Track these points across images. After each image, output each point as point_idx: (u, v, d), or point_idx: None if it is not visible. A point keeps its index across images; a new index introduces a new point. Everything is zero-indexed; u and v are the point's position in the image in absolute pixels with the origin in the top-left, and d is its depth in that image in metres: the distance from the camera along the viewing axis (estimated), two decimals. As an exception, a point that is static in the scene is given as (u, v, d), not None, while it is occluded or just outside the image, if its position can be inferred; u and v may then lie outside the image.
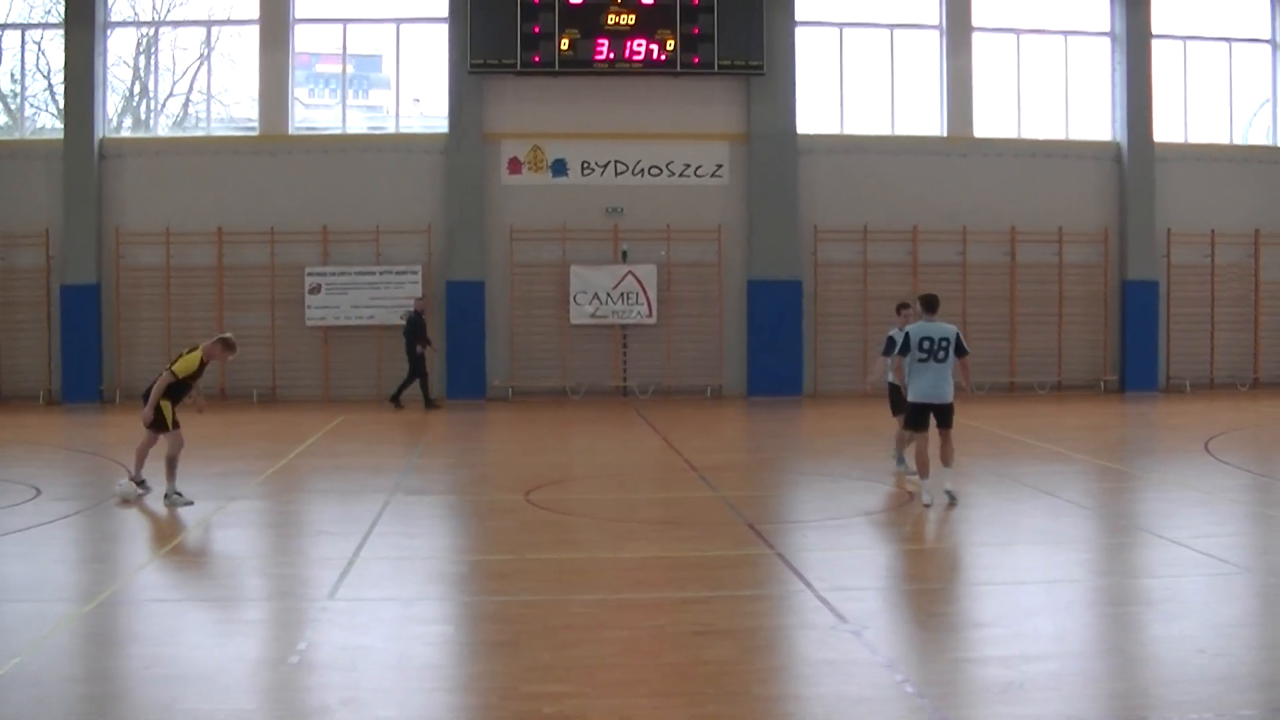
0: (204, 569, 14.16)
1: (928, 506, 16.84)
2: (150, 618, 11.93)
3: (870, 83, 35.90)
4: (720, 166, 35.04)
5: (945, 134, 35.78)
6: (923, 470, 17.21)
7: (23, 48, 35.87)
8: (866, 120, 35.85)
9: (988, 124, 36.08)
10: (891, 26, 35.85)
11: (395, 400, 32.44)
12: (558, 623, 11.32)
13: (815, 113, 35.59)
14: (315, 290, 34.07)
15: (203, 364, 18.37)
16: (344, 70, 36.05)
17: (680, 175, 34.98)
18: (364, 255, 34.56)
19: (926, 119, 36.03)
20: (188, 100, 36.93)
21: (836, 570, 13.45)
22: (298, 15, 35.15)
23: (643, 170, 34.93)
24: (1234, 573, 13.13)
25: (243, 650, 10.76)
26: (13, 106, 36.90)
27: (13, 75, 36.37)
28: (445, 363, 34.36)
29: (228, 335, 18.43)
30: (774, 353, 34.57)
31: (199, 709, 9.07)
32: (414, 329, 32.17)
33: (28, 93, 36.56)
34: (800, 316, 34.76)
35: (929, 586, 13.28)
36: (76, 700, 9.52)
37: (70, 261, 34.33)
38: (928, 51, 35.92)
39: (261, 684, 9.90)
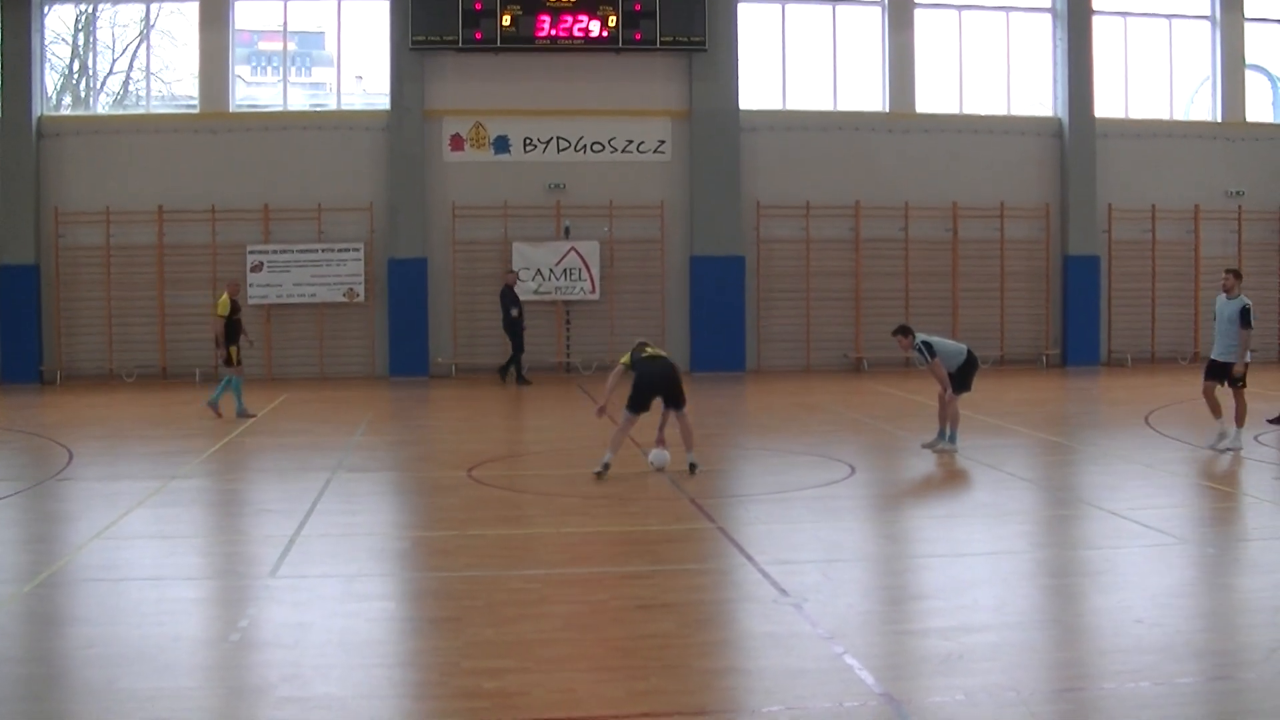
0: (144, 548, 14.07)
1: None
2: (90, 598, 11.89)
3: (812, 59, 35.92)
4: (663, 143, 35.01)
5: (887, 110, 35.80)
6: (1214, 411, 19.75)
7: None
8: (809, 97, 35.87)
9: (930, 100, 36.16)
10: (834, 2, 35.83)
11: (505, 375, 32.65)
12: (500, 598, 11.33)
13: (757, 89, 35.57)
14: (257, 268, 33.89)
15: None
16: (285, 47, 35.83)
17: (623, 151, 34.94)
18: (306, 233, 34.39)
19: (868, 95, 36.07)
20: (128, 78, 36.65)
21: (778, 544, 13.51)
22: (238, -9, 34.95)
23: (585, 147, 34.88)
24: (1172, 544, 13.25)
25: (184, 629, 10.72)
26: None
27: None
28: (389, 340, 34.27)
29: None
30: (717, 329, 34.58)
31: (139, 688, 9.04)
32: (507, 302, 32.45)
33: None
34: (743, 292, 34.77)
35: (870, 560, 13.37)
36: (16, 681, 9.47)
37: (8, 242, 34.02)
38: (870, 27, 35.94)
39: (202, 662, 9.89)
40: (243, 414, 25.17)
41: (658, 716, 8.39)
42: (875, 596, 11.70)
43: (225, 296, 25.59)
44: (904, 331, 20.29)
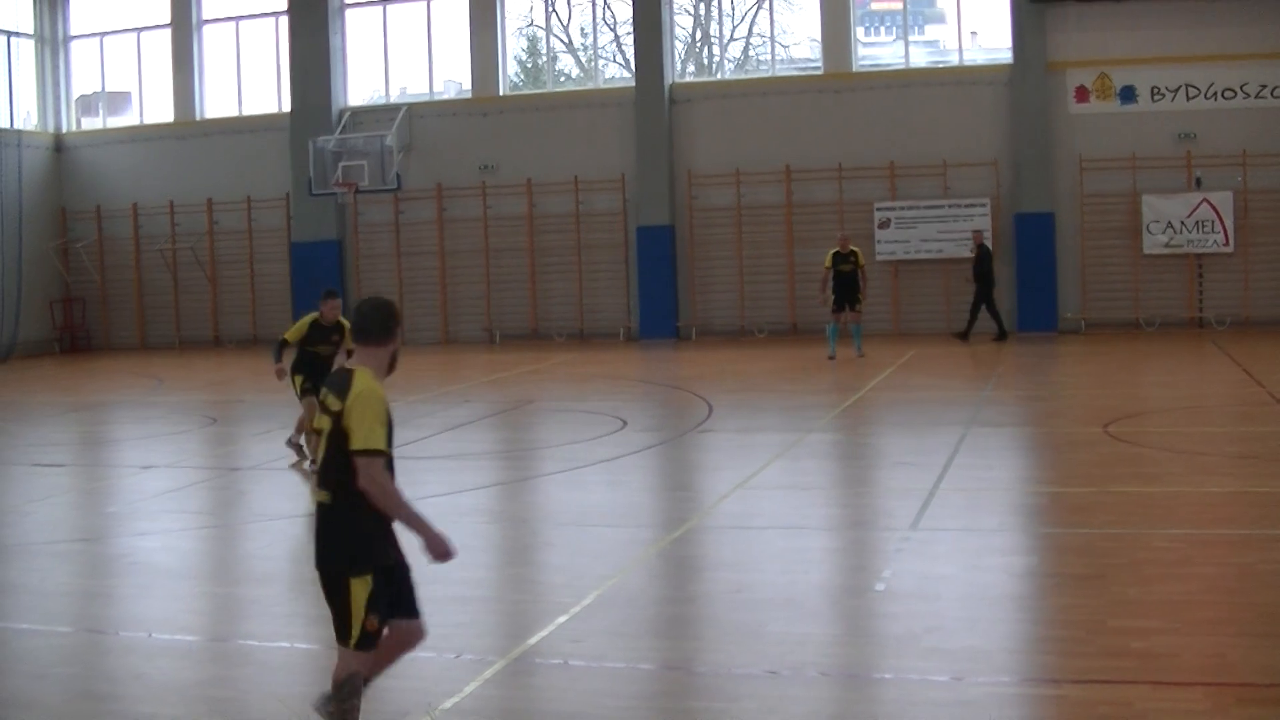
0: (784, 498, 14.66)
1: None
2: (735, 544, 12.52)
3: None
4: (1299, 87, 33.39)
5: None
6: None
7: (592, 3, 37.62)
8: None
9: None
10: None
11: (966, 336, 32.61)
12: (1142, 557, 11.27)
13: None
14: (884, 225, 34.41)
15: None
16: (905, 6, 36.10)
17: (1256, 97, 33.49)
18: (931, 189, 34.70)
19: None
20: (748, 43, 37.93)
21: None
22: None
23: (1216, 94, 33.63)
24: None
25: (828, 578, 11.21)
26: (584, 59, 38.70)
27: (582, 30, 38.27)
28: (1015, 295, 34.18)
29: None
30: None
31: (789, 632, 9.51)
32: (981, 260, 32.34)
33: (598, 45, 38.48)
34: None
35: None
36: (669, 621, 10.16)
37: (646, 204, 35.92)
38: None
39: (848, 610, 10.31)
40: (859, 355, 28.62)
41: (1314, 686, 8.18)
42: None
43: (833, 250, 28.96)
44: None
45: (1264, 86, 33.37)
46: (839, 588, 10.91)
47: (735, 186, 35.57)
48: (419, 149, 37.66)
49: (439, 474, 15.93)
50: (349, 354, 15.95)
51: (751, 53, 37.95)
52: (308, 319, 16.93)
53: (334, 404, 6.95)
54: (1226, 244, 33.14)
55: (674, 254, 36.08)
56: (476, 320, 37.20)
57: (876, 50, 37.23)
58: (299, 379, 16.88)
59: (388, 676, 8.52)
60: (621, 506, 14.54)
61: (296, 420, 17.27)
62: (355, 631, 6.98)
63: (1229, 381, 23.06)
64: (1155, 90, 33.85)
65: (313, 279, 37.14)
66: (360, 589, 6.94)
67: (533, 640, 9.50)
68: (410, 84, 39.45)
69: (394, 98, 39.20)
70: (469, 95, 38.31)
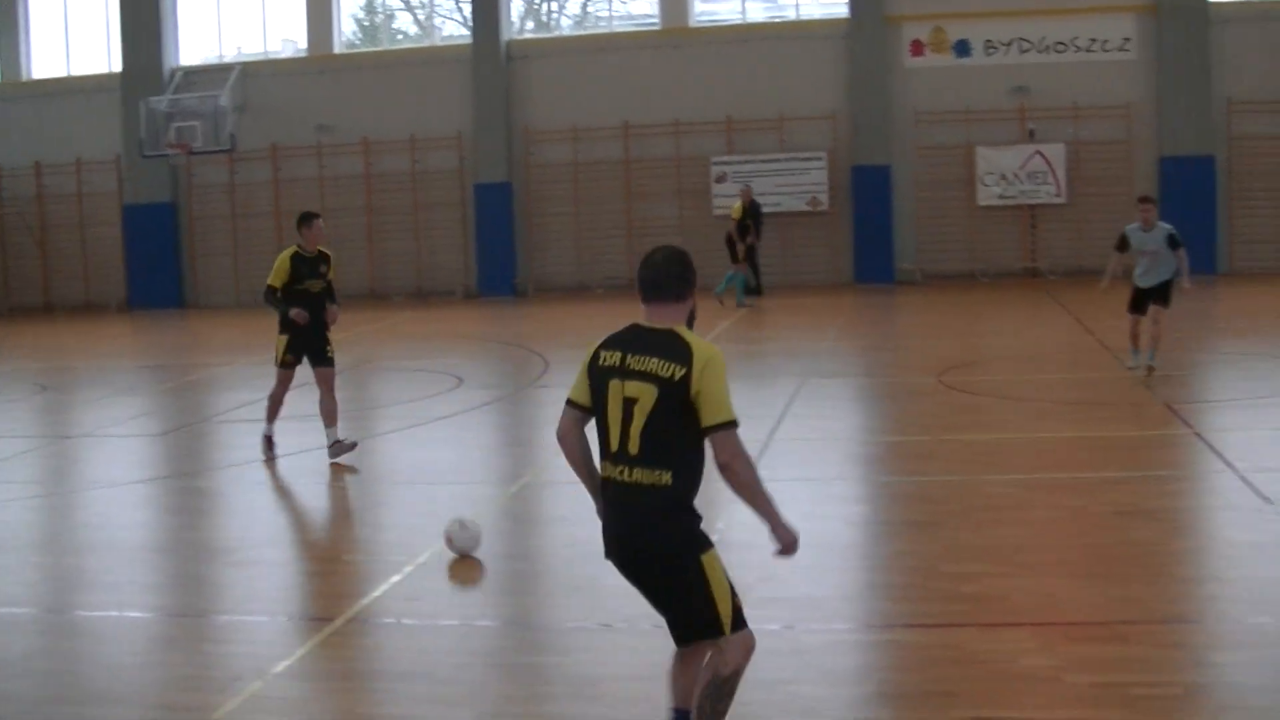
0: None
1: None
2: (570, 499, 12.39)
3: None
4: (1128, 40, 33.88)
5: None
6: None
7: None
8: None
9: None
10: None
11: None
12: (976, 503, 11.43)
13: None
14: (721, 179, 34.47)
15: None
16: (742, -40, 36.19)
17: (1086, 51, 33.96)
18: (768, 143, 34.82)
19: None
20: (586, 0, 37.78)
21: (1259, 451, 13.16)
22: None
23: (1048, 47, 34.04)
24: None
25: (665, 531, 11.14)
26: (421, 17, 38.38)
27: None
28: (853, 248, 34.47)
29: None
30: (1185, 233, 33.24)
31: (622, 585, 9.34)
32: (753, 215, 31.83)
33: (435, 2, 38.17)
34: (1214, 194, 33.26)
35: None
36: (509, 576, 10.15)
37: (483, 162, 35.73)
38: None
39: (687, 561, 10.28)
40: (741, 305, 29.57)
41: (1138, 624, 8.36)
42: (1367, 505, 11.31)
43: (739, 203, 30.51)
44: None
45: (1094, 40, 33.86)
46: (675, 541, 10.89)
47: (573, 143, 35.45)
48: (254, 109, 37.01)
49: (277, 436, 15.72)
50: (331, 288, 14.62)
51: (590, 9, 37.82)
52: (287, 253, 14.46)
53: (664, 370, 6.05)
54: (1059, 195, 33.65)
55: (512, 211, 35.89)
56: (314, 281, 36.86)
57: (714, 5, 37.22)
58: (283, 340, 14.50)
59: (219, 641, 8.39)
60: (457, 464, 14.44)
61: (268, 405, 14.79)
62: (727, 609, 6.22)
63: (1061, 330, 23.42)
64: (989, 44, 34.21)
65: (146, 242, 36.55)
66: (713, 562, 6.23)
67: (366, 600, 9.40)
68: (245, 43, 38.76)
69: (228, 57, 38.51)
70: (305, 54, 37.78)
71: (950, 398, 17.08)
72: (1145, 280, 17.19)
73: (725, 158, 34.73)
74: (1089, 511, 11.06)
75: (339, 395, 14.44)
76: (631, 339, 6.23)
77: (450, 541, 10.11)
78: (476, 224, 36.19)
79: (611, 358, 6.20)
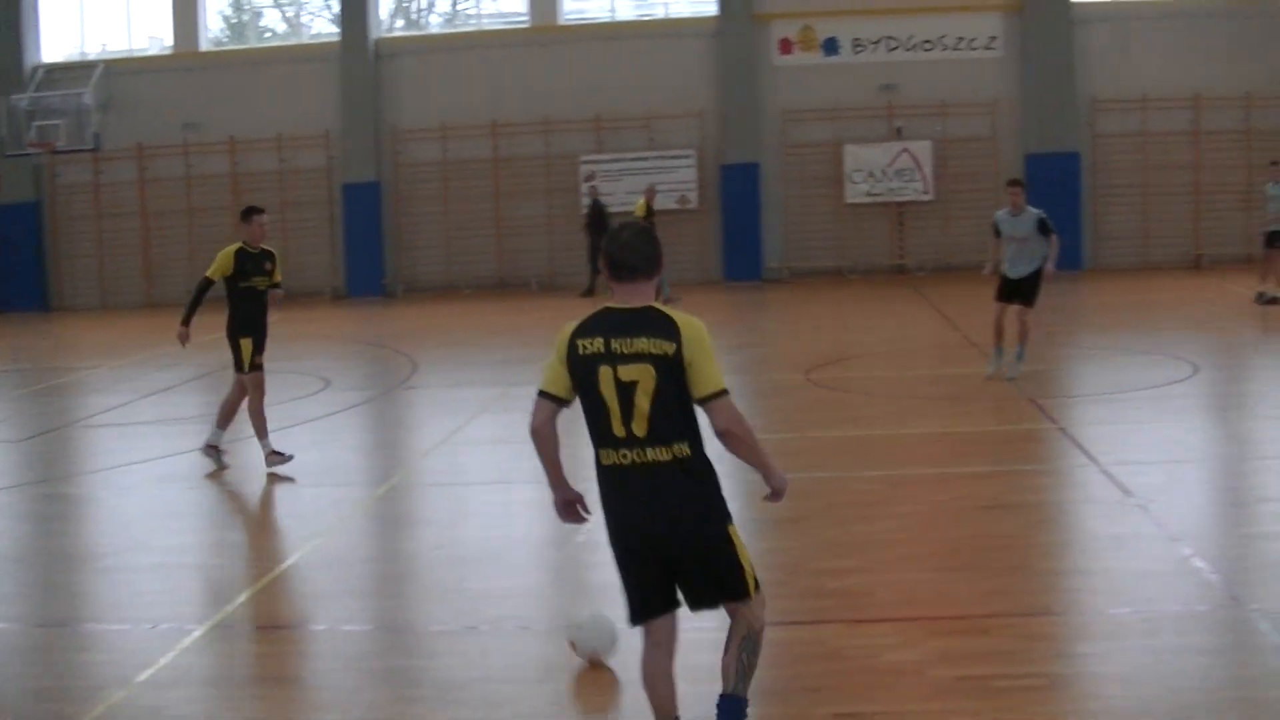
0: (488, 453, 14.61)
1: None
2: (438, 501, 12.53)
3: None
4: (994, 39, 34.28)
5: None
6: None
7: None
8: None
9: None
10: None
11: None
12: (841, 499, 11.49)
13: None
14: (590, 178, 34.46)
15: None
16: (612, -43, 36.20)
17: (954, 49, 34.32)
18: (637, 141, 34.87)
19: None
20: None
21: (1121, 444, 13.35)
22: (562, -95, 35.47)
23: (915, 45, 34.38)
24: None
25: (529, 531, 11.12)
26: (290, 14, 38.04)
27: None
28: (721, 246, 34.59)
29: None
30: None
31: (489, 587, 9.50)
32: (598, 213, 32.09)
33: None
34: (1079, 191, 33.68)
35: (1215, 461, 13.10)
36: (374, 579, 10.07)
37: (351, 161, 35.48)
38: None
39: (550, 562, 10.39)
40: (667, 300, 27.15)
41: (1003, 617, 8.45)
42: (1221, 498, 11.50)
43: (643, 201, 29.79)
44: None
45: (961, 39, 34.25)
46: (541, 540, 10.86)
47: (442, 142, 35.28)
48: (118, 107, 36.43)
49: (141, 440, 15.50)
50: (277, 286, 14.38)
51: (460, 6, 37.66)
52: (232, 248, 13.78)
53: (655, 348, 6.10)
54: (926, 192, 33.99)
55: (380, 211, 35.65)
56: (179, 283, 36.03)
57: (583, 3, 37.18)
58: (248, 344, 13.90)
59: (80, 650, 8.26)
60: (325, 466, 14.28)
61: (253, 420, 13.81)
62: (751, 572, 6.42)
63: (928, 326, 23.67)
64: (857, 42, 34.49)
65: (7, 243, 35.86)
66: (736, 531, 6.43)
67: (232, 606, 9.28)
68: (109, 39, 38.13)
69: (91, 54, 37.87)
70: (171, 51, 37.26)
71: (818, 394, 17.20)
72: (1014, 270, 17.14)
73: (594, 156, 34.70)
74: (954, 506, 11.18)
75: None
76: (610, 323, 6.24)
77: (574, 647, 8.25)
78: (345, 224, 35.89)
79: (593, 345, 6.21)
